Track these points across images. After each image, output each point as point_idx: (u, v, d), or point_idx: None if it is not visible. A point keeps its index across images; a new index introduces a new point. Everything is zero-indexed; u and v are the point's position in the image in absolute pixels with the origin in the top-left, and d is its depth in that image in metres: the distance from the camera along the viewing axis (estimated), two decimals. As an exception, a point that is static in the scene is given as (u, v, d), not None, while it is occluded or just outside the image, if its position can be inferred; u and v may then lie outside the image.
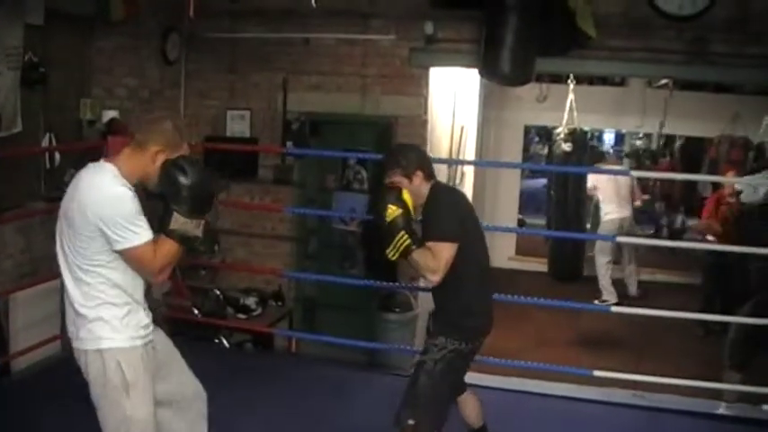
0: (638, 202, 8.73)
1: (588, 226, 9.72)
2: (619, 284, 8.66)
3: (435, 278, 3.24)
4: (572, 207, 7.75)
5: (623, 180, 8.38)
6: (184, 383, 3.10)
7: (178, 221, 2.75)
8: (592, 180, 8.55)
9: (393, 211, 3.24)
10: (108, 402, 2.76)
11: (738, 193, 6.33)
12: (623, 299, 8.42)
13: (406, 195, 3.31)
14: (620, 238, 7.10)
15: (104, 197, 2.66)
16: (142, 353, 2.80)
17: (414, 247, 3.24)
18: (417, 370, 3.37)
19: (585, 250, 8.95)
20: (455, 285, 3.32)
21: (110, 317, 2.73)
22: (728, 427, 4.98)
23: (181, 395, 3.07)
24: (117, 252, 2.68)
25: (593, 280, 8.59)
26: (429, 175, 3.47)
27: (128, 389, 2.73)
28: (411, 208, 3.31)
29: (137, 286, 2.81)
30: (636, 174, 8.58)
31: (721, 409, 5.34)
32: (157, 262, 2.74)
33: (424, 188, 3.43)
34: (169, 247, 2.76)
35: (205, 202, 2.83)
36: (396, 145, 3.70)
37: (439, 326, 3.46)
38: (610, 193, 8.42)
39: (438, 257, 3.21)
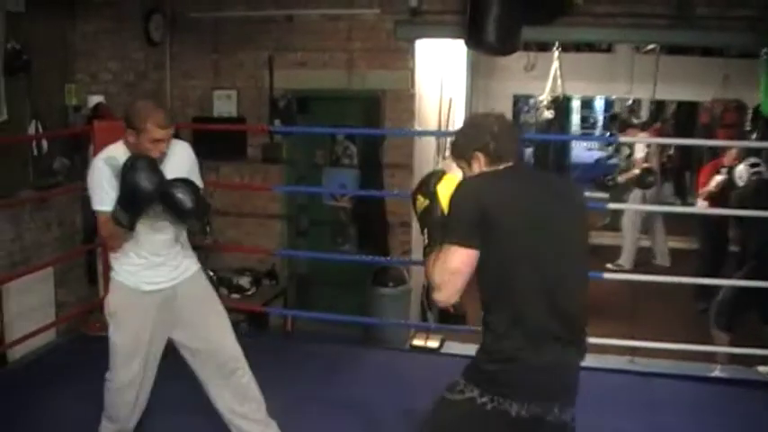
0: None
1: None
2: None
3: (439, 297, 2.36)
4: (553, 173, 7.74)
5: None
6: (208, 339, 3.42)
7: None
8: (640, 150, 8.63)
9: (421, 203, 2.51)
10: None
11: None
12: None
13: (445, 183, 2.48)
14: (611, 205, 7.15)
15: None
16: (134, 292, 3.23)
17: (428, 249, 2.44)
18: (434, 406, 2.50)
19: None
20: (483, 309, 2.44)
21: (116, 257, 3.25)
22: (723, 389, 5.00)
23: (203, 348, 3.40)
24: None
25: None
26: (496, 157, 2.47)
27: (111, 315, 3.26)
28: (446, 198, 2.44)
29: (136, 243, 3.19)
30: (623, 140, 8.55)
31: (716, 371, 5.39)
32: (103, 231, 3.14)
33: None
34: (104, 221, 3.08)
35: (132, 196, 2.98)
36: (472, 114, 2.87)
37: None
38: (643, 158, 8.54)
39: (444, 266, 2.32)
